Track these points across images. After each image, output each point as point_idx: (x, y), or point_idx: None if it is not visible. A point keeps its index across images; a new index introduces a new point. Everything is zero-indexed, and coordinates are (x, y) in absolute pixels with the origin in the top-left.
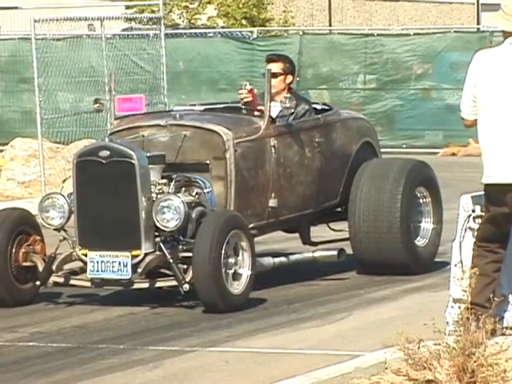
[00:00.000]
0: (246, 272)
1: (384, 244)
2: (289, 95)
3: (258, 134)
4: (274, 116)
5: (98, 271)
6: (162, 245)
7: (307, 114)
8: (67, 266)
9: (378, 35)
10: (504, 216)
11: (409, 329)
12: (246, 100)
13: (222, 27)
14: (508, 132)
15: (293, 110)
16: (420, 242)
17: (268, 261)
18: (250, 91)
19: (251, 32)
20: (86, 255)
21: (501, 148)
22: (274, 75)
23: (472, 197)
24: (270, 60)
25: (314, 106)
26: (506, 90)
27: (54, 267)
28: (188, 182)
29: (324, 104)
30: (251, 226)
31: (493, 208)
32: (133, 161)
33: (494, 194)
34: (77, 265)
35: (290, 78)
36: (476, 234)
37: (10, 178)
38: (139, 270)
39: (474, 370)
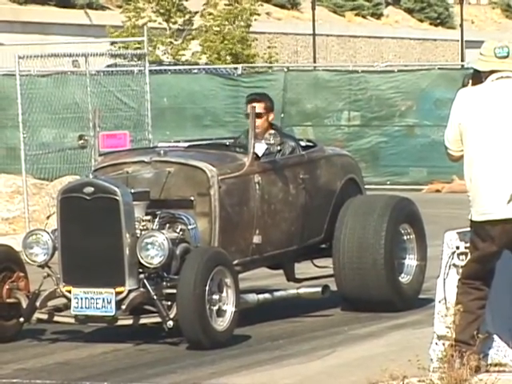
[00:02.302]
0: (230, 309)
1: (368, 281)
2: (273, 131)
3: (243, 171)
4: (260, 154)
5: (81, 308)
6: (146, 281)
7: (295, 151)
8: (51, 303)
9: (363, 72)
10: (492, 254)
11: (393, 365)
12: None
13: (206, 63)
14: (501, 168)
15: (279, 147)
16: (404, 278)
17: (252, 297)
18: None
19: (236, 68)
20: (69, 292)
21: (495, 184)
22: (259, 115)
23: (456, 233)
24: (252, 100)
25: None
26: (496, 125)
27: (37, 304)
28: (172, 218)
29: (308, 140)
30: (235, 262)
31: (482, 245)
32: (117, 197)
33: (484, 232)
34: (61, 301)
35: (271, 116)
36: (461, 270)
37: None
38: (123, 307)
39: None
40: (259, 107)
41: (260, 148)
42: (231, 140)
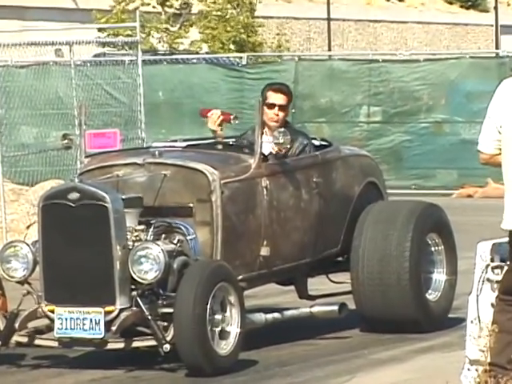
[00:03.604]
0: (234, 330)
1: (391, 298)
2: (282, 129)
3: (248, 174)
4: (267, 154)
5: (66, 329)
6: (139, 299)
7: (307, 150)
8: (32, 324)
9: (384, 61)
10: None
11: None
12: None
13: (207, 53)
14: None
15: (288, 146)
16: (432, 295)
17: (259, 317)
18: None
19: (240, 58)
20: (52, 311)
21: None
22: (282, 108)
23: (491, 244)
24: (277, 90)
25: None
26: None
27: (16, 325)
28: (169, 228)
29: (323, 139)
30: (240, 277)
31: None
32: (106, 204)
33: None
34: (43, 322)
35: (289, 110)
36: (498, 285)
37: None
38: (113, 328)
39: None
40: (283, 99)
41: (268, 147)
42: (235, 139)
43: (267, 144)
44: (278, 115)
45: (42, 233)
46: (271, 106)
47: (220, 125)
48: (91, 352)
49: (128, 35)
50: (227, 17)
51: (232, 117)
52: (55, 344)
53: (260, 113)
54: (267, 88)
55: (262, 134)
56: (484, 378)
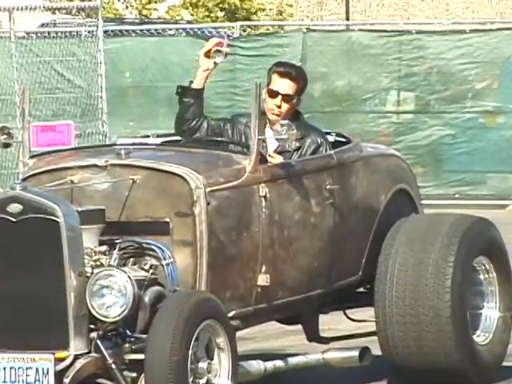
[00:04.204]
0: (224, 382)
1: (427, 340)
2: (285, 121)
3: (242, 179)
4: (268, 152)
5: (5, 382)
6: (99, 343)
7: (321, 151)
8: None
9: (419, 33)
10: None
11: None
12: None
13: (188, 22)
14: None
15: (298, 144)
16: (481, 337)
17: (257, 366)
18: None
19: (231, 29)
20: None
21: None
22: (286, 98)
23: None
24: (283, 74)
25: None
26: None
27: None
28: (138, 249)
29: (339, 135)
30: (232, 314)
31: None
32: (57, 219)
33: None
34: None
35: (298, 100)
36: None
37: None
38: (66, 380)
39: None
40: (289, 88)
41: (270, 144)
42: (222, 122)
43: (268, 141)
44: (279, 107)
45: None
46: (274, 93)
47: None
48: None
49: None
50: None
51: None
52: None
53: (258, 100)
54: (273, 69)
55: (260, 127)
56: None
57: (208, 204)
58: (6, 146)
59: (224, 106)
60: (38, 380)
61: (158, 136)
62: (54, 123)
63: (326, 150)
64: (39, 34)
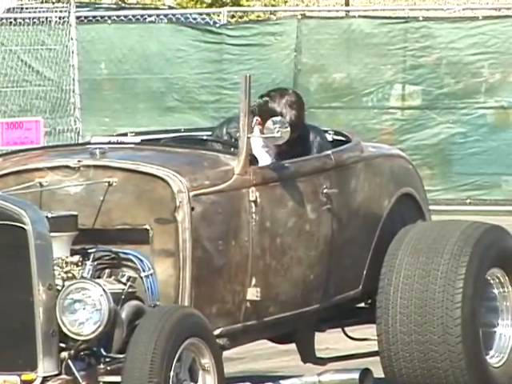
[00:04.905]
0: None
1: (435, 361)
2: (278, 118)
3: (230, 182)
4: (259, 154)
5: None
6: (71, 363)
7: (317, 148)
8: None
9: (426, 20)
10: None
11: None
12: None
13: (171, 7)
14: None
15: (290, 144)
16: (495, 358)
17: None
18: None
19: (218, 15)
20: None
21: None
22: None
23: None
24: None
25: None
26: None
27: None
28: (115, 260)
29: (337, 133)
30: (218, 331)
31: None
32: (24, 226)
33: None
34: None
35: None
36: None
37: None
38: None
39: None
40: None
41: (259, 146)
42: (210, 131)
43: (257, 141)
44: None
45: None
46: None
47: None
48: None
49: None
50: None
51: None
52: None
53: (247, 95)
54: (264, 108)
55: (250, 126)
56: None
57: (192, 209)
58: None
59: (210, 100)
60: None
61: (137, 134)
62: (21, 119)
63: (323, 150)
64: (4, 21)
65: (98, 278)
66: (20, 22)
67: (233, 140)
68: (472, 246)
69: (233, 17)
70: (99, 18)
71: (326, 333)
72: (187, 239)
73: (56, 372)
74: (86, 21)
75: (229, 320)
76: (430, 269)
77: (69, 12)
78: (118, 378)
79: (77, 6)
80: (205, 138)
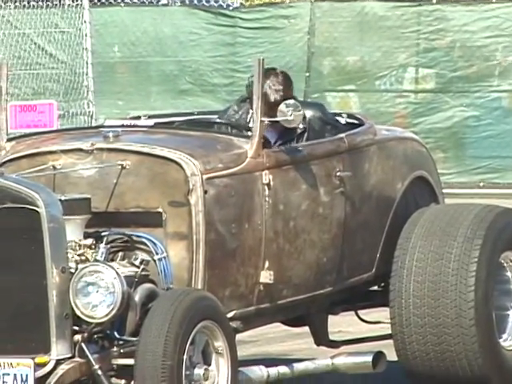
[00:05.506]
0: None
1: (448, 344)
2: (291, 101)
3: (243, 165)
4: (273, 138)
5: None
6: (84, 346)
7: (328, 132)
8: None
9: (439, 3)
10: None
11: None
12: None
13: None
14: None
15: (304, 126)
16: (508, 341)
17: (259, 372)
18: None
19: None
20: None
21: None
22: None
23: None
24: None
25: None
26: None
27: None
28: (128, 243)
29: (350, 116)
30: (231, 314)
31: None
32: (37, 208)
33: None
34: None
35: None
36: None
37: None
38: None
39: None
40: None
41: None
42: (218, 114)
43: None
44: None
45: None
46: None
47: None
48: None
49: None
50: None
51: None
52: None
53: (260, 78)
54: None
55: (263, 109)
56: None
57: (205, 192)
58: None
59: (223, 83)
60: None
61: (150, 117)
62: (34, 102)
63: (336, 132)
64: (17, 4)
65: (112, 260)
66: (33, 5)
67: (245, 122)
68: (485, 229)
69: (246, 0)
70: (112, 1)
71: (339, 316)
72: (200, 222)
73: (69, 355)
74: (99, 3)
75: (242, 303)
76: (443, 252)
77: None
78: (131, 361)
79: None
80: (218, 121)
